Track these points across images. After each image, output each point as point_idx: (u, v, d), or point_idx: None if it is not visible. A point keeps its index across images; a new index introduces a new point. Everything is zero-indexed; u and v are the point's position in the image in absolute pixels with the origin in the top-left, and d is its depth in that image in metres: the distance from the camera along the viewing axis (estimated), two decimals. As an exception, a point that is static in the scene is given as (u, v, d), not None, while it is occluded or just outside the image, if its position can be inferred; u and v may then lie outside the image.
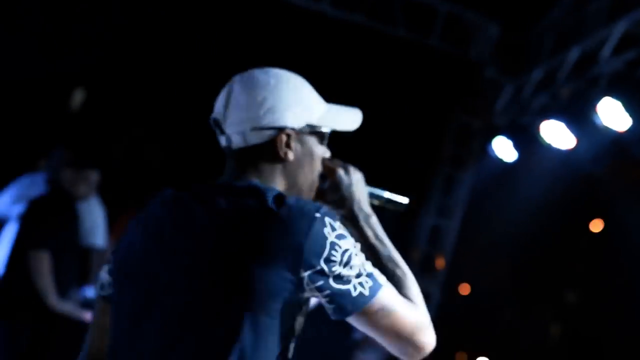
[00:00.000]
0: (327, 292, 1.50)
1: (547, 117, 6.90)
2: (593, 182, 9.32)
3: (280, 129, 1.61)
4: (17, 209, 4.96)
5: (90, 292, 4.99)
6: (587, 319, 16.83)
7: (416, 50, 7.34)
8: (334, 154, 1.77)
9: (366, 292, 1.52)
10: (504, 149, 7.55)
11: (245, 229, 1.50)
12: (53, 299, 4.40)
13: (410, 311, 1.60)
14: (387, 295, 1.55)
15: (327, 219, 1.51)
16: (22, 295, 4.44)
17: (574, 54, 6.61)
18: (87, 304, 4.61)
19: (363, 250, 1.61)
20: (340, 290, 1.50)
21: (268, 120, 1.60)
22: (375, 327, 1.56)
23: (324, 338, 4.69)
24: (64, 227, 4.62)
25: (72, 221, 4.70)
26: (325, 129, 1.69)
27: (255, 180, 1.60)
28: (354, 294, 1.51)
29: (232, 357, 1.46)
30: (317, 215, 1.50)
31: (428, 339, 1.62)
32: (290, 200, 1.52)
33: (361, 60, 7.80)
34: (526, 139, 7.32)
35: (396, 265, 1.67)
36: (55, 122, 8.67)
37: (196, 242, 1.54)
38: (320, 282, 1.49)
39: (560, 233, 13.94)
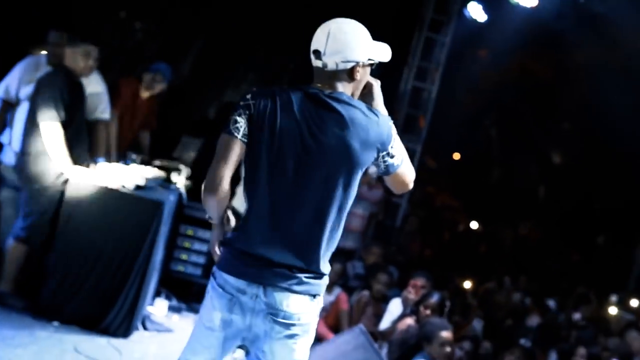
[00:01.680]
0: (387, 162, 2.63)
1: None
2: (559, 37, 9.65)
3: (357, 62, 2.61)
4: (26, 91, 5.35)
5: (101, 160, 5.48)
6: (572, 179, 17.35)
7: None
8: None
9: (398, 162, 2.66)
10: (476, 11, 7.91)
11: (361, 126, 2.55)
12: (67, 165, 4.81)
13: (412, 170, 2.75)
14: (406, 164, 2.70)
15: (391, 122, 2.65)
16: (40, 164, 4.86)
17: None
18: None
19: None
20: (392, 162, 2.64)
21: (352, 56, 2.59)
22: (395, 182, 2.73)
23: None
24: (71, 100, 4.92)
25: (78, 94, 5.04)
26: (374, 61, 2.68)
27: (342, 92, 2.61)
28: (392, 162, 2.64)
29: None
30: (391, 123, 2.65)
31: (412, 183, 2.79)
32: (377, 111, 2.64)
33: None
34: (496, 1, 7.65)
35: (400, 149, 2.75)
36: (46, 6, 8.79)
37: (336, 131, 2.53)
38: (386, 158, 2.62)
39: (536, 91, 14.14)
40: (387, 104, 2.77)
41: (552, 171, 18.80)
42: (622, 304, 9.42)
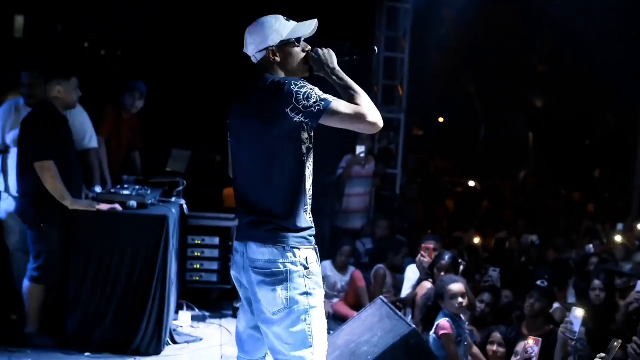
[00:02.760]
0: (304, 112, 2.88)
1: None
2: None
3: (267, 47, 3.00)
4: (12, 135, 5.43)
5: (98, 189, 5.55)
6: (557, 120, 17.42)
7: None
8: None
9: (322, 106, 2.88)
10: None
11: (262, 98, 2.92)
12: (69, 200, 4.87)
13: (355, 108, 2.93)
14: (336, 104, 2.90)
15: (292, 81, 2.90)
16: (42, 204, 4.92)
17: None
18: (99, 199, 5.13)
19: (331, 91, 2.98)
20: (310, 110, 2.88)
21: (261, 45, 3.01)
22: (338, 122, 2.92)
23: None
24: (60, 135, 4.99)
25: (64, 128, 5.10)
26: (292, 38, 3.02)
27: (268, 75, 2.98)
28: (315, 110, 2.88)
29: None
30: (286, 81, 2.90)
31: (371, 119, 2.93)
32: (276, 78, 2.97)
33: None
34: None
35: (352, 89, 3.01)
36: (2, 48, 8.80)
37: (248, 114, 2.96)
38: (300, 110, 2.87)
39: (506, 40, 14.17)
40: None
41: (537, 116, 18.91)
42: (630, 231, 9.53)
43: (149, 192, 5.39)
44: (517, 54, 14.98)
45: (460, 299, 4.86)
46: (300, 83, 2.89)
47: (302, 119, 2.88)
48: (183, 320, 5.82)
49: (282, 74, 3.03)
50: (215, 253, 6.39)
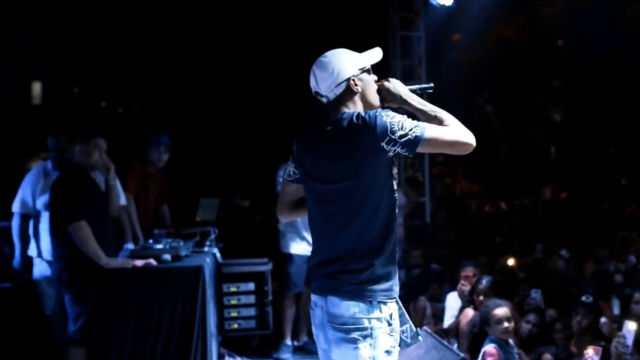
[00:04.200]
0: (400, 142, 2.72)
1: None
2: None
3: (347, 79, 2.84)
4: (42, 200, 5.46)
5: (130, 246, 5.55)
6: (578, 131, 17.32)
7: None
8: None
9: (419, 133, 2.73)
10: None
11: (350, 134, 2.76)
12: (104, 259, 4.86)
13: (448, 131, 2.79)
14: (430, 130, 2.76)
15: (382, 113, 2.75)
16: (77, 265, 4.93)
17: None
18: (133, 256, 5.12)
19: (415, 116, 2.86)
20: (406, 140, 2.72)
21: (340, 78, 2.83)
22: (434, 147, 2.81)
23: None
24: (89, 195, 5.03)
25: (94, 187, 5.14)
26: (367, 66, 2.90)
27: (346, 110, 2.84)
28: (413, 137, 2.72)
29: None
30: (381, 114, 2.74)
31: (466, 140, 2.81)
32: (357, 112, 2.80)
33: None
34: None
35: (437, 112, 2.87)
36: (21, 115, 8.92)
37: (331, 153, 2.79)
38: (396, 141, 2.72)
39: (519, 57, 14.17)
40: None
41: (557, 130, 18.80)
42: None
43: (181, 243, 5.38)
44: (531, 70, 14.98)
45: (506, 323, 4.78)
46: (390, 113, 2.76)
47: (399, 149, 2.73)
48: (226, 370, 5.77)
49: (360, 106, 2.88)
50: (251, 299, 6.32)
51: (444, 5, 8.19)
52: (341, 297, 2.76)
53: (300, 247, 6.42)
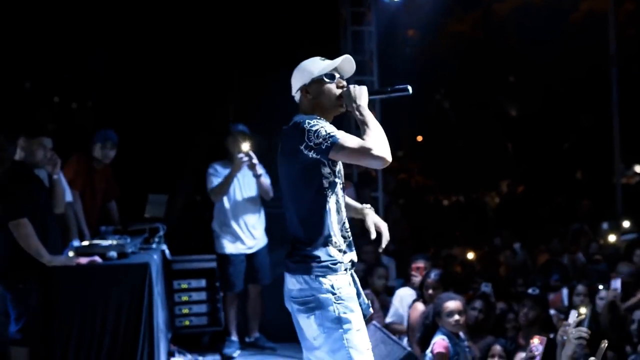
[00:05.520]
0: (314, 149, 3.05)
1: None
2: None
3: (301, 86, 3.25)
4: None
5: (76, 243, 5.44)
6: (533, 127, 17.54)
7: None
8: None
9: (329, 143, 3.03)
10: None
11: (287, 136, 3.16)
12: (46, 257, 4.77)
13: (362, 142, 3.03)
14: (342, 140, 3.04)
15: (307, 120, 3.10)
16: (18, 264, 4.82)
17: None
18: (78, 253, 5.00)
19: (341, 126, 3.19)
20: (317, 147, 3.05)
21: (296, 85, 3.27)
22: (346, 157, 3.08)
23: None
24: (32, 192, 4.92)
25: (36, 184, 5.02)
26: (320, 74, 3.22)
27: (301, 114, 3.23)
28: (324, 146, 3.04)
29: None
30: (302, 119, 3.10)
31: (376, 153, 3.01)
32: (296, 118, 3.19)
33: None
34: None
35: (366, 125, 3.11)
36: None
37: (281, 151, 3.21)
38: (311, 147, 3.05)
39: (473, 53, 14.27)
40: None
41: (513, 125, 19.02)
42: (617, 229, 9.51)
43: (128, 240, 5.29)
44: (486, 65, 15.12)
45: (457, 316, 4.81)
46: (314, 121, 3.10)
47: (314, 155, 3.07)
48: (176, 367, 5.70)
49: (317, 110, 3.25)
50: (202, 296, 6.28)
51: (393, 0, 8.21)
52: (290, 273, 3.19)
53: (235, 247, 6.35)
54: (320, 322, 3.09)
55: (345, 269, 3.19)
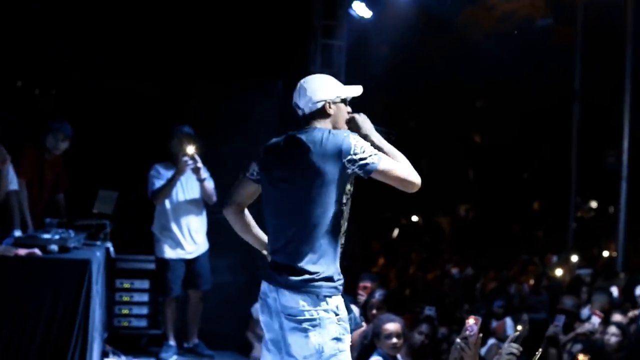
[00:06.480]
0: (357, 164, 3.07)
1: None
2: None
3: (325, 100, 3.20)
4: None
5: (17, 233, 5.32)
6: (496, 155, 17.74)
7: None
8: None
9: (375, 161, 3.07)
10: (361, 8, 8.11)
11: (320, 143, 3.09)
12: (-17, 245, 4.66)
13: (400, 167, 3.12)
14: (385, 162, 3.10)
15: (350, 134, 3.11)
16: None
17: None
18: (18, 244, 4.88)
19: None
20: (363, 163, 3.06)
21: (318, 97, 3.20)
22: (386, 178, 3.10)
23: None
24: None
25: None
26: (345, 97, 3.27)
27: (317, 126, 3.19)
28: (370, 163, 3.06)
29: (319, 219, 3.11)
30: (349, 136, 3.10)
31: (413, 179, 3.14)
32: (338, 131, 3.15)
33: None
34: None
35: (391, 152, 3.17)
36: None
37: (299, 160, 3.10)
38: (354, 161, 3.07)
39: (442, 75, 14.37)
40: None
41: (476, 151, 19.22)
42: (565, 263, 9.66)
43: (72, 235, 5.18)
44: (454, 89, 15.24)
45: (394, 339, 4.78)
46: (357, 137, 3.13)
47: (356, 169, 3.09)
48: (109, 368, 5.60)
49: (330, 127, 3.23)
50: (144, 297, 6.20)
51: (363, 17, 8.25)
52: (291, 290, 3.09)
53: (175, 253, 6.22)
54: (321, 341, 3.06)
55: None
